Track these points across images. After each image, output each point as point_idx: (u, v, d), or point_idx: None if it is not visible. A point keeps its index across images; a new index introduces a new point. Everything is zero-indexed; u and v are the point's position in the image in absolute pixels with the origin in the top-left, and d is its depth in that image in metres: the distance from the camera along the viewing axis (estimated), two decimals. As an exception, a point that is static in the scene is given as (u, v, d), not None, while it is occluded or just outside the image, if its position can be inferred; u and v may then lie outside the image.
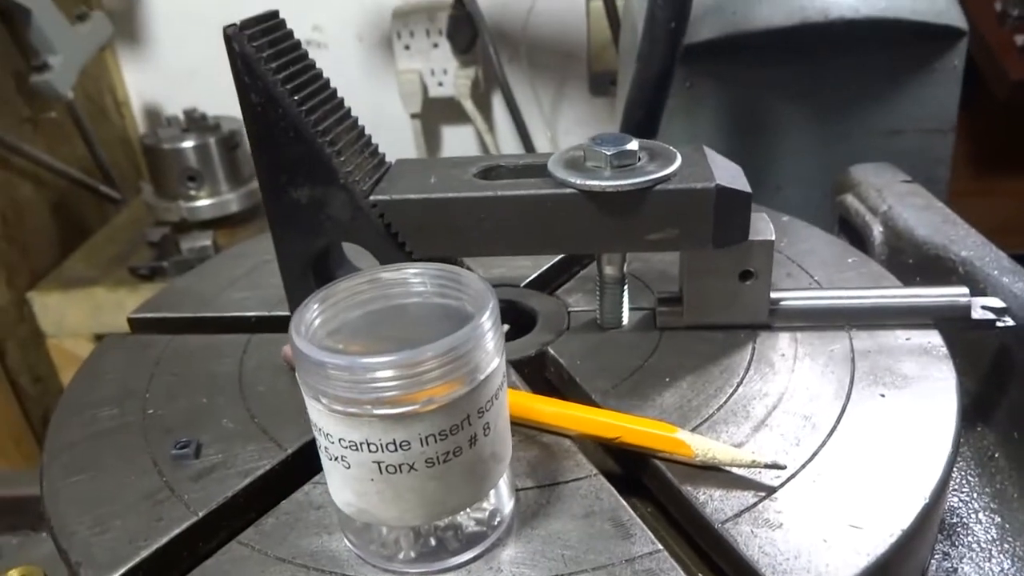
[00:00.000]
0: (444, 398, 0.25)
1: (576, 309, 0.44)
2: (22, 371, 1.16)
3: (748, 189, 0.37)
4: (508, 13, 1.33)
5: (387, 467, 0.26)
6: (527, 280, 0.47)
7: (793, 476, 0.31)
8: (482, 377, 0.26)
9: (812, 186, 0.77)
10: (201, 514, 0.32)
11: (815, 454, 0.32)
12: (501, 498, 0.29)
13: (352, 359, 0.25)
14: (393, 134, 1.38)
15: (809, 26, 0.68)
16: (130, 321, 0.48)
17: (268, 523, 0.31)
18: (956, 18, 0.72)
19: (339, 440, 0.26)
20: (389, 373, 0.25)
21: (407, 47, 1.34)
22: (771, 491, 0.30)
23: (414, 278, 0.29)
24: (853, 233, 0.58)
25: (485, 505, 0.29)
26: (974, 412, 0.46)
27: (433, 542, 0.29)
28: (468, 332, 0.25)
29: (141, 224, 1.23)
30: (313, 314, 0.28)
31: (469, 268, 0.45)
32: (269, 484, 0.34)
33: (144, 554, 0.30)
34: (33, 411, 1.18)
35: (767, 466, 0.31)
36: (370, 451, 0.26)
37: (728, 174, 0.38)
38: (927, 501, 0.29)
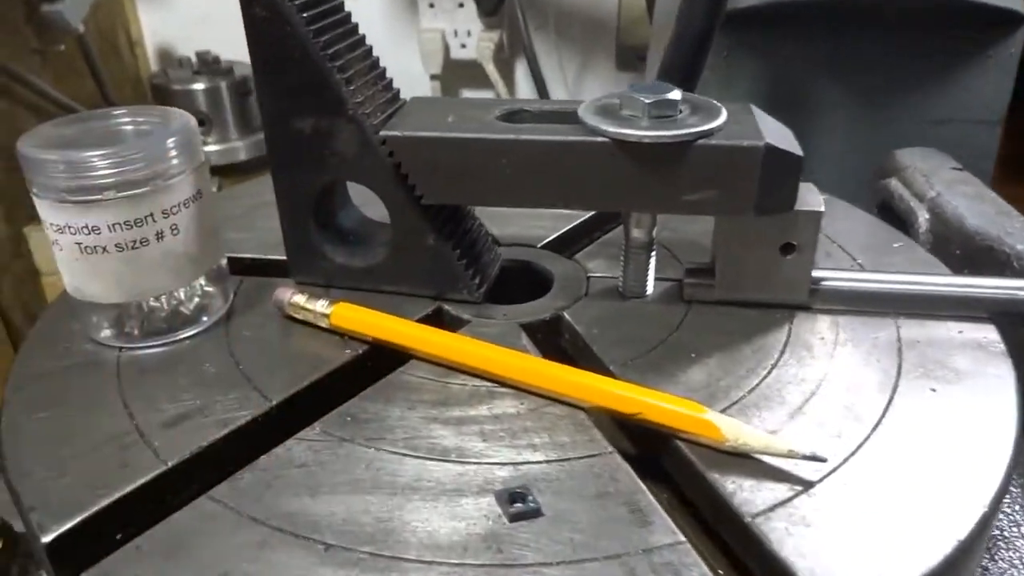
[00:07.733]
0: (122, 193, 0.32)
1: (596, 275, 0.41)
2: (15, 307, 1.14)
3: (800, 152, 0.34)
4: (539, -24, 1.28)
5: (85, 248, 0.33)
6: (544, 241, 0.44)
7: (834, 471, 0.28)
8: (164, 184, 0.33)
9: (848, 170, 0.73)
10: (171, 463, 0.29)
11: (858, 448, 0.29)
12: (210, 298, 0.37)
13: (50, 153, 0.32)
14: (411, 95, 1.34)
15: (858, -1, 0.64)
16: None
17: (244, 479, 0.28)
18: (1016, 1, 0.67)
19: (51, 225, 0.33)
20: (60, 168, 0.32)
21: (431, 5, 1.30)
22: (808, 485, 0.27)
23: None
24: (895, 219, 0.54)
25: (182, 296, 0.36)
26: None
27: (144, 323, 0.35)
28: (138, 143, 0.33)
29: (146, 167, 1.20)
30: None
31: (481, 224, 0.41)
32: (248, 437, 0.30)
33: (104, 503, 0.27)
34: (24, 350, 1.15)
35: (805, 458, 0.27)
36: (71, 233, 0.33)
37: (778, 135, 0.34)
38: (986, 510, 0.26)
